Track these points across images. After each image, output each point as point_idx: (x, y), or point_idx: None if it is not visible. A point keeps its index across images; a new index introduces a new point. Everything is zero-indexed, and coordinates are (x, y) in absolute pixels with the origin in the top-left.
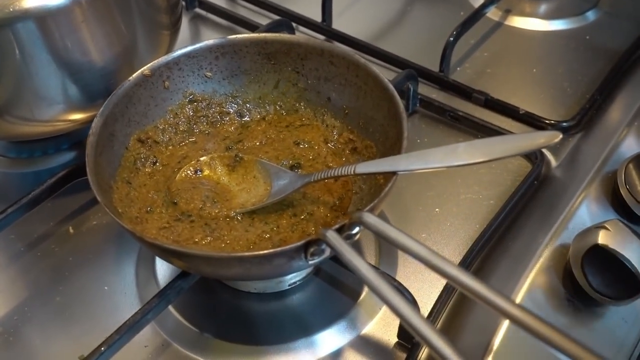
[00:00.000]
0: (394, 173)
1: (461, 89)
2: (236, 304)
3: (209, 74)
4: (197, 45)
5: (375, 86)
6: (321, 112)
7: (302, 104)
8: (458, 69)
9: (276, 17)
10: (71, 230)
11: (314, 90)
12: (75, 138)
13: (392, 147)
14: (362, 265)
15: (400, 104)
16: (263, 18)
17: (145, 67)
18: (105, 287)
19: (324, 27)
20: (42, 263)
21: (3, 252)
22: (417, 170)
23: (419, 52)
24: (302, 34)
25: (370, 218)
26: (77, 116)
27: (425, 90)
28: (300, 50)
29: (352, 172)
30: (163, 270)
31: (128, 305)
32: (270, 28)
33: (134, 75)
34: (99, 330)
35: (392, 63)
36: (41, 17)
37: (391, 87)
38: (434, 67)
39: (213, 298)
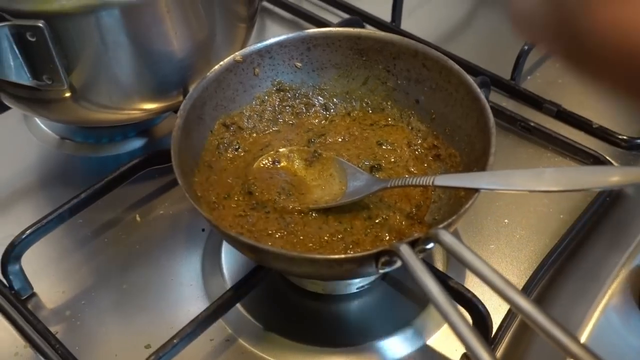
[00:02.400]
0: (475, 190)
1: (532, 98)
2: (303, 304)
3: (299, 64)
4: (291, 35)
5: (466, 95)
6: (407, 114)
7: (389, 103)
8: (528, 77)
9: (343, 14)
10: (138, 219)
11: (403, 90)
12: (141, 127)
13: (477, 160)
14: (431, 285)
15: (491, 117)
16: (330, 14)
17: (237, 53)
18: (172, 278)
19: (393, 27)
20: (110, 250)
21: (71, 237)
22: (500, 190)
23: (488, 58)
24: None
25: (447, 237)
26: (150, 106)
27: (496, 97)
28: (393, 49)
29: (431, 184)
30: (229, 263)
31: (194, 297)
32: (342, 26)
33: (226, 60)
34: (165, 321)
35: (462, 68)
36: (126, 6)
37: (483, 98)
38: (504, 74)
39: (280, 296)
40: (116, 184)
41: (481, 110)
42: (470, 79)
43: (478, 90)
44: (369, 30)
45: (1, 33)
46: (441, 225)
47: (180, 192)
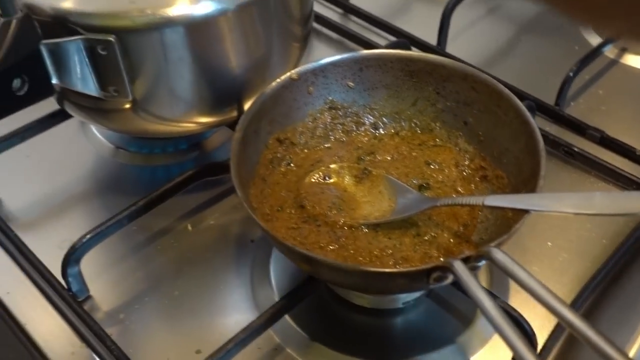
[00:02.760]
0: (526, 211)
1: (576, 124)
2: (348, 316)
3: (351, 83)
4: (344, 56)
5: (515, 118)
6: (455, 135)
7: (437, 124)
8: (572, 103)
9: (388, 35)
10: (190, 228)
11: (452, 112)
12: (193, 139)
13: (525, 182)
14: (485, 301)
15: (541, 141)
16: (375, 36)
17: (293, 71)
18: (221, 287)
19: (439, 50)
20: (162, 257)
21: (125, 243)
22: (550, 212)
23: (532, 83)
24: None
25: (499, 255)
26: (205, 120)
27: (539, 122)
28: (443, 71)
29: (481, 204)
30: (277, 274)
31: (243, 306)
32: (391, 48)
33: (282, 77)
34: (215, 328)
35: None
36: (190, 24)
37: (533, 122)
38: (548, 99)
39: (325, 308)
40: (171, 193)
41: (530, 133)
42: (519, 102)
43: (527, 113)
44: (420, 53)
45: (75, 46)
46: (493, 244)
47: (230, 203)
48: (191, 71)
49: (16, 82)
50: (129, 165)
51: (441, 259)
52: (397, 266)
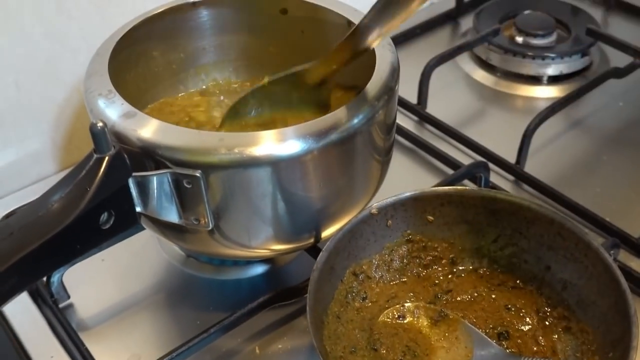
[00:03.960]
0: None
1: None
2: None
3: (430, 218)
4: (426, 191)
5: (604, 272)
6: (537, 279)
7: (518, 265)
8: None
9: (464, 148)
10: (257, 351)
11: (534, 254)
12: None
13: (614, 344)
14: None
15: (632, 304)
16: (450, 147)
17: (373, 206)
18: None
19: (517, 169)
20: None
21: None
22: None
23: (614, 209)
24: (497, 175)
25: None
26: (281, 247)
27: (623, 257)
28: (528, 214)
29: None
30: None
31: None
32: (468, 170)
33: (362, 213)
34: None
35: (585, 218)
36: (277, 163)
37: (624, 281)
38: (633, 230)
39: None
40: (244, 319)
41: (621, 293)
42: (609, 258)
43: (618, 271)
44: (504, 193)
45: (163, 179)
46: None
47: (300, 326)
48: (273, 205)
49: (103, 217)
50: (198, 276)
51: None
52: None
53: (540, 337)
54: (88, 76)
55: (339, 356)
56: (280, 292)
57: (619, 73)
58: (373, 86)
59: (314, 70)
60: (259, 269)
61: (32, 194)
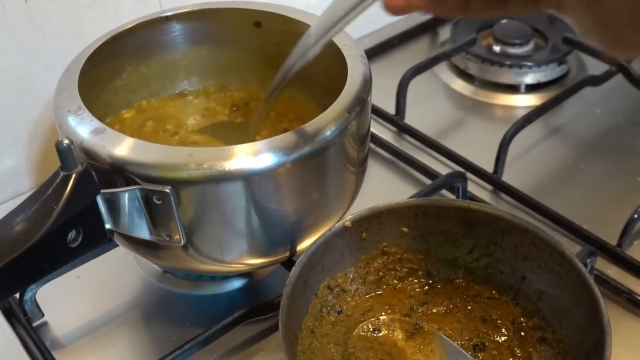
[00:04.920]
0: None
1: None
2: None
3: (405, 229)
4: (400, 202)
5: (578, 282)
6: (513, 289)
7: (494, 275)
8: (635, 242)
9: (442, 158)
10: None
11: (509, 264)
12: None
13: (588, 354)
14: None
15: (606, 314)
16: (428, 157)
17: (347, 219)
18: None
19: (495, 178)
20: None
21: None
22: None
23: (592, 216)
24: (475, 185)
25: None
26: (255, 261)
27: (599, 264)
28: (502, 224)
29: None
30: None
31: None
32: (446, 180)
33: (336, 226)
34: None
35: (563, 226)
36: (247, 178)
37: (597, 291)
38: (609, 237)
39: None
40: (219, 335)
41: (594, 303)
42: (582, 267)
43: (592, 281)
44: (478, 204)
45: (132, 195)
46: None
47: (276, 341)
48: (246, 220)
49: (71, 235)
50: (174, 292)
51: None
52: None
53: (516, 348)
54: (58, 93)
55: None
56: (255, 307)
57: (596, 81)
58: (345, 98)
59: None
60: (237, 284)
61: (6, 212)
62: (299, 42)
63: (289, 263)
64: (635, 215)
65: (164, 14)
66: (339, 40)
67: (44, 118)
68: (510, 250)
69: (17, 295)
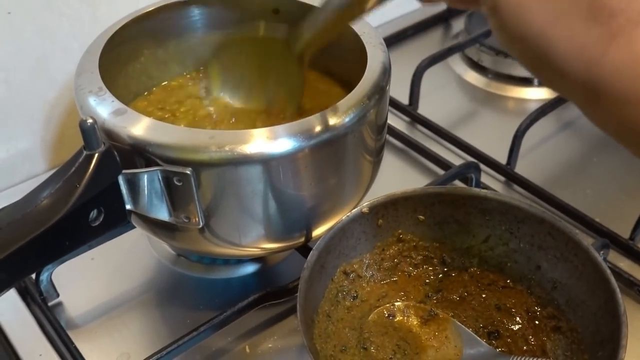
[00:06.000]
0: None
1: None
2: None
3: (421, 217)
4: (417, 190)
5: (593, 272)
6: (528, 278)
7: (509, 264)
8: None
9: (455, 149)
10: (247, 350)
11: (525, 254)
12: None
13: (603, 343)
14: None
15: (622, 304)
16: (441, 148)
17: (364, 205)
18: None
19: (508, 170)
20: None
21: None
22: None
23: (605, 210)
24: (488, 176)
25: None
26: (271, 245)
27: (612, 257)
28: (518, 213)
29: None
30: None
31: None
32: (460, 171)
33: (353, 211)
34: None
35: (575, 219)
36: (267, 161)
37: (614, 281)
38: (622, 231)
39: None
40: (234, 318)
41: (611, 293)
42: (598, 256)
43: (608, 271)
44: (494, 193)
45: (153, 176)
46: None
47: (290, 325)
48: (264, 204)
49: (93, 214)
50: (189, 276)
51: None
52: None
53: (530, 337)
54: (78, 74)
55: (329, 355)
56: (270, 292)
57: None
58: (364, 85)
59: (304, 38)
60: (250, 268)
61: (21, 193)
62: None
63: (303, 249)
64: None
65: None
66: (358, 28)
67: (60, 100)
68: (525, 240)
69: (33, 275)
